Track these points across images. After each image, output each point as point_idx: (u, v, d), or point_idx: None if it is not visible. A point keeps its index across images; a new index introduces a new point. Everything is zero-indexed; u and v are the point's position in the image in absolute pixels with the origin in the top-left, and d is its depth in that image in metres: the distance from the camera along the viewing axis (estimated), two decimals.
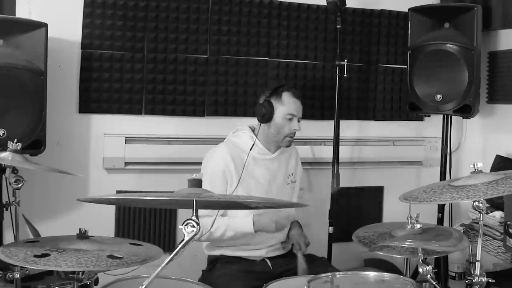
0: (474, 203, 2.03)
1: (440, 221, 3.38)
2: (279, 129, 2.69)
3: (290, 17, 3.43)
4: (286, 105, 2.68)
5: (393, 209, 3.70)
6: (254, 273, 2.61)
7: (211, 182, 2.57)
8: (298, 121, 2.72)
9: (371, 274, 2.14)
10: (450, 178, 3.41)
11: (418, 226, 2.15)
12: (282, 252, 2.79)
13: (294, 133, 2.73)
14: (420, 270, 1.98)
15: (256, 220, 2.55)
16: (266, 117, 2.67)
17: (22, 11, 2.93)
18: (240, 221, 2.57)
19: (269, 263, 2.69)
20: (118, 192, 3.14)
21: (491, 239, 3.12)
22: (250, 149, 2.68)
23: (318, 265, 2.67)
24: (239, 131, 2.78)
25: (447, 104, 3.23)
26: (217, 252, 2.72)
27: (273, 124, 2.69)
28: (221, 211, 2.58)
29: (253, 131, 2.77)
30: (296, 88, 3.43)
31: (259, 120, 2.71)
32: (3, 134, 2.58)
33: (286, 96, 2.69)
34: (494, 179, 1.85)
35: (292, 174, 2.86)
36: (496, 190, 1.74)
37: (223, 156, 2.66)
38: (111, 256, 1.85)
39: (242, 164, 2.65)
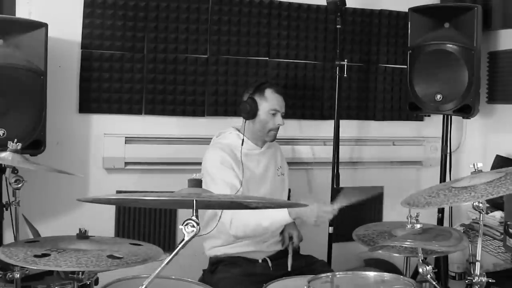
0: (474, 203, 2.03)
1: (440, 221, 3.38)
2: (264, 124, 2.76)
3: (290, 17, 3.43)
4: (269, 101, 2.76)
5: (393, 209, 3.70)
6: (255, 276, 2.61)
7: (222, 175, 2.61)
8: (282, 116, 2.79)
9: (371, 274, 2.14)
10: (450, 178, 3.41)
11: (418, 226, 2.15)
12: (282, 248, 2.80)
13: (278, 128, 2.81)
14: (420, 270, 1.98)
15: (292, 210, 2.48)
16: (250, 113, 2.75)
17: (22, 11, 2.93)
18: (274, 210, 2.49)
19: (270, 264, 2.70)
20: (118, 192, 3.14)
21: (491, 239, 3.12)
22: (242, 145, 2.73)
23: (317, 267, 2.68)
24: (225, 133, 2.84)
25: (447, 104, 3.23)
26: (218, 253, 2.73)
27: (257, 120, 2.76)
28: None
29: (238, 131, 2.82)
30: (296, 88, 3.45)
31: (244, 117, 2.78)
32: (3, 134, 2.58)
33: (269, 92, 2.77)
34: (495, 178, 1.85)
35: (280, 167, 2.93)
36: (497, 189, 1.74)
37: (219, 154, 2.70)
38: (111, 256, 1.85)
39: (237, 160, 2.70)
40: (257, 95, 2.77)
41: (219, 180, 2.61)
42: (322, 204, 2.48)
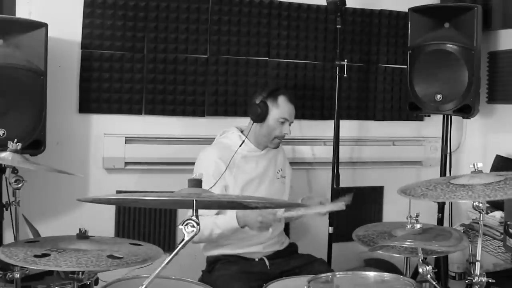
0: (474, 203, 2.03)
1: (440, 221, 3.37)
2: (270, 131, 2.75)
3: (290, 17, 3.43)
4: (280, 109, 2.74)
5: (393, 209, 3.70)
6: (252, 274, 2.61)
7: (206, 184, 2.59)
8: (289, 125, 2.78)
9: (371, 274, 2.14)
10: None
11: (418, 226, 2.15)
12: (279, 248, 2.80)
13: (284, 136, 2.79)
14: (420, 270, 1.98)
15: (241, 216, 2.54)
16: (260, 117, 2.73)
17: (22, 11, 2.93)
18: (224, 218, 2.57)
19: (267, 263, 2.70)
20: (118, 192, 3.14)
21: (491, 239, 3.12)
22: (240, 146, 2.72)
23: (316, 266, 2.68)
24: (227, 132, 2.84)
25: (447, 104, 3.23)
26: (216, 252, 2.73)
27: (265, 125, 2.75)
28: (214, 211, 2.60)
29: (241, 131, 2.81)
30: (296, 88, 3.45)
31: (252, 119, 2.77)
32: (3, 134, 2.58)
33: (282, 100, 2.75)
34: (494, 180, 1.85)
35: (281, 170, 2.92)
36: (494, 193, 1.74)
37: (213, 158, 2.69)
38: (111, 256, 1.85)
39: (233, 163, 2.70)
40: (270, 100, 2.74)
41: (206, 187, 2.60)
42: (266, 211, 2.55)
